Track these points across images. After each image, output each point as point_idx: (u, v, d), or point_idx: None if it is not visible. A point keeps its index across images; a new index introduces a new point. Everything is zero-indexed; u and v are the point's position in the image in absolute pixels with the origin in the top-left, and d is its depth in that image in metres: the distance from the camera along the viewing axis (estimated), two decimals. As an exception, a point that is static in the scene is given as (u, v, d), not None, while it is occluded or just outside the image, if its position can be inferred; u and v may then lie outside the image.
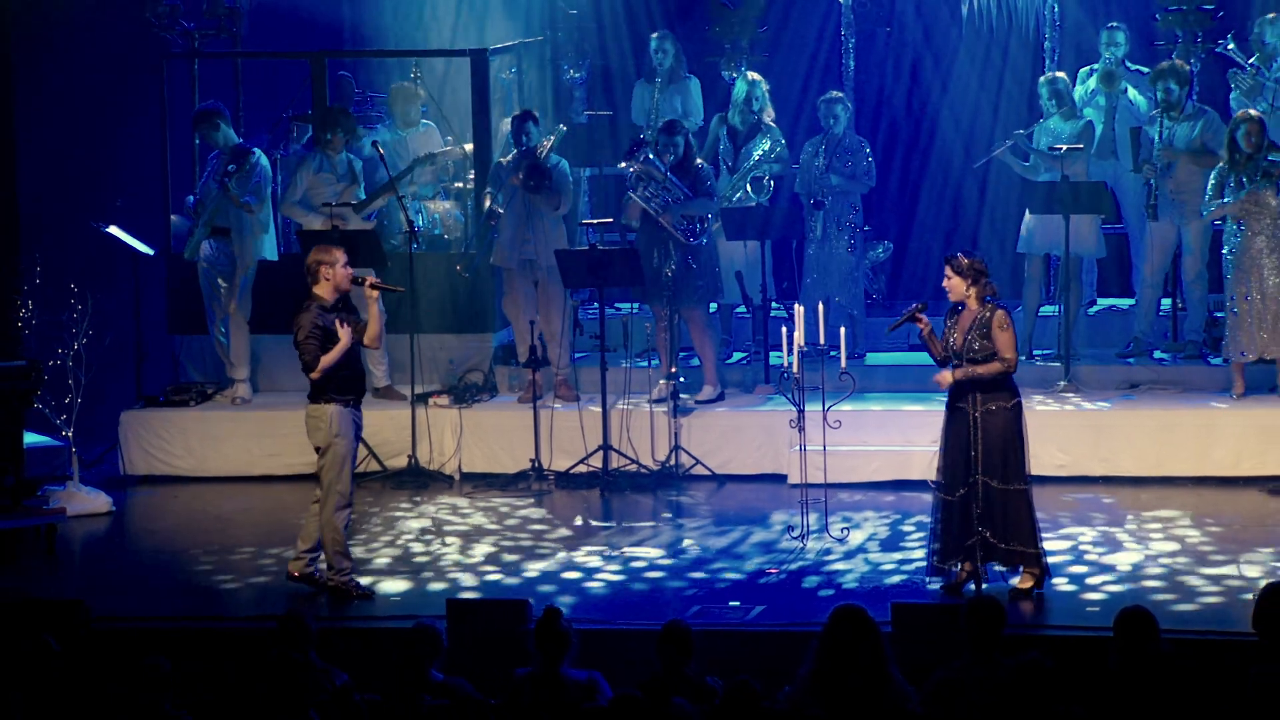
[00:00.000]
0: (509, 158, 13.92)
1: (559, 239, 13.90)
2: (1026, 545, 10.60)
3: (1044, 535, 10.83)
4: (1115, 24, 14.59)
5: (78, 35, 15.06)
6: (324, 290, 10.97)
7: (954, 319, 10.68)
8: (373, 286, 11.06)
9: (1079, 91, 14.57)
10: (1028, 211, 14.16)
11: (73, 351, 13.26)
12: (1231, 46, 14.32)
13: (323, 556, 11.07)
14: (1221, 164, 13.21)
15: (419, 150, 14.74)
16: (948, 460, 10.67)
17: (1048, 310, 14.44)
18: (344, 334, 10.87)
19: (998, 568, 10.70)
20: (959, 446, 10.61)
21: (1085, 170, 14.02)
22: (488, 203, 13.93)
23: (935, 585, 10.71)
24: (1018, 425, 10.61)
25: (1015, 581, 10.64)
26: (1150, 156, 13.73)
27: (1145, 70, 14.34)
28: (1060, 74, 14.36)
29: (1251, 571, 10.99)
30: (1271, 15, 14.27)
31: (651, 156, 13.57)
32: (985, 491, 10.53)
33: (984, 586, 10.55)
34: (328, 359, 10.87)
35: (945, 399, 10.76)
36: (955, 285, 10.60)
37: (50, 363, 13.16)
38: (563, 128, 14.31)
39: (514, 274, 14.00)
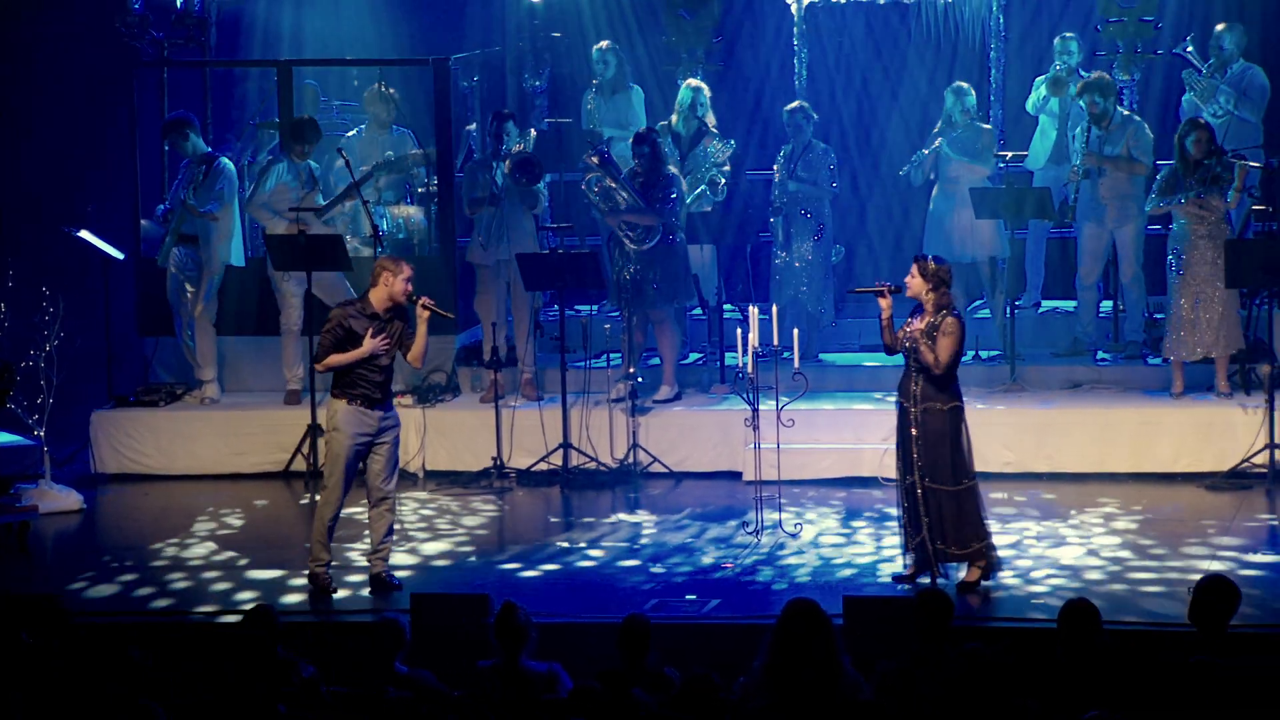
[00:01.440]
0: (484, 157, 13.95)
1: (533, 242, 13.91)
2: (971, 542, 10.62)
3: (990, 532, 10.84)
4: (1069, 34, 14.67)
5: (49, 44, 15.00)
6: (377, 295, 10.91)
7: (912, 319, 10.68)
8: (424, 306, 10.97)
9: (1032, 99, 14.66)
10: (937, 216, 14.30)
11: (45, 353, 13.21)
12: (1190, 50, 14.40)
13: (384, 552, 11.05)
14: (1171, 166, 13.28)
15: (393, 154, 14.72)
16: (899, 454, 10.73)
17: (982, 314, 14.53)
18: (367, 344, 10.82)
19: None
20: (902, 443, 10.67)
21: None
22: (469, 208, 13.97)
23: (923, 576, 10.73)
24: (955, 427, 10.63)
25: (962, 575, 10.67)
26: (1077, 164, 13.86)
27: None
28: (964, 84, 14.43)
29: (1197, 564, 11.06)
30: (1223, 25, 14.33)
31: (606, 154, 13.64)
32: (924, 492, 10.56)
33: (939, 581, 10.57)
34: (336, 359, 10.82)
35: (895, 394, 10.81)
36: (916, 285, 10.63)
37: (23, 364, 13.11)
38: (533, 132, 14.36)
39: (487, 273, 14.00)
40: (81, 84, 15.12)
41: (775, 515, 11.95)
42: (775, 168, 14.40)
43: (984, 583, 10.64)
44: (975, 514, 10.65)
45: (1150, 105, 14.97)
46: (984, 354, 14.31)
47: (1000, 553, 11.01)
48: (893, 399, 10.92)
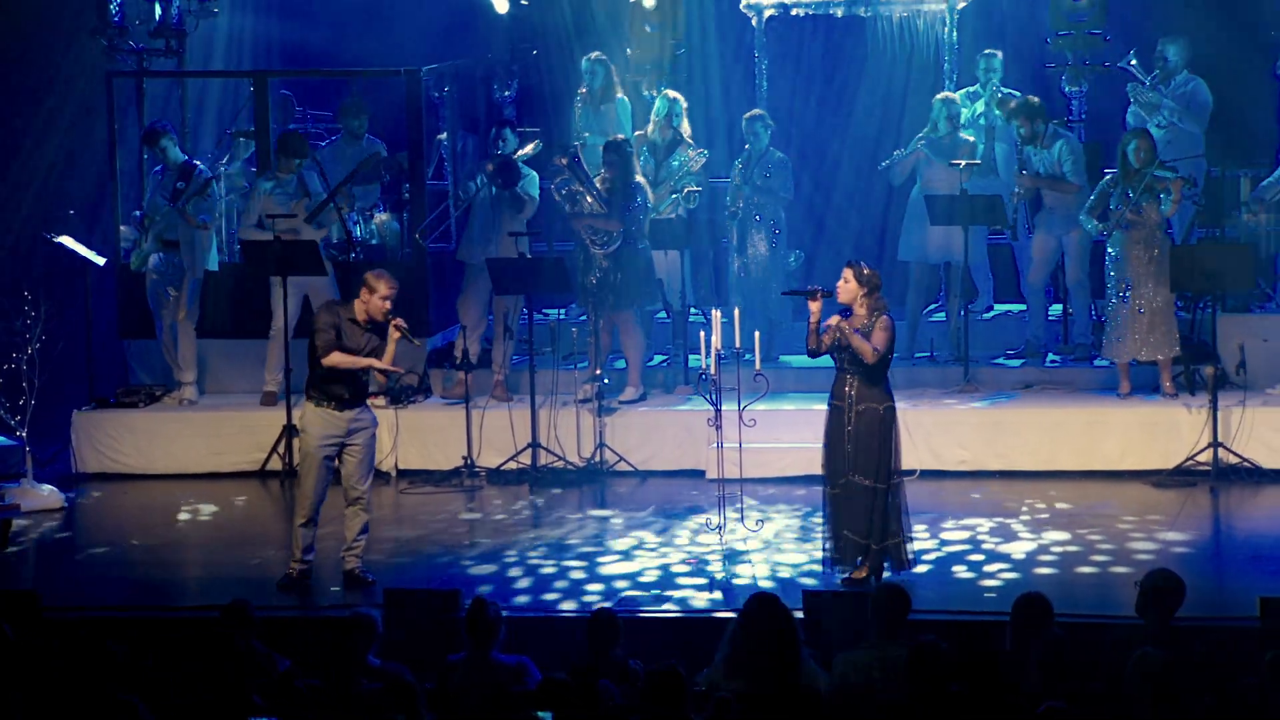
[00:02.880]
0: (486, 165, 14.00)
1: (512, 247, 13.90)
2: (892, 537, 10.61)
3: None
4: (991, 50, 14.72)
5: (30, 55, 14.93)
6: (359, 305, 10.90)
7: (844, 323, 10.66)
8: (397, 327, 10.93)
9: (964, 115, 14.70)
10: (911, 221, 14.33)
11: (27, 356, 13.15)
12: (1135, 63, 14.45)
13: (358, 549, 11.03)
14: (1100, 185, 13.33)
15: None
16: (829, 455, 10.67)
17: (937, 317, 14.57)
18: (384, 360, 10.86)
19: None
20: (837, 443, 10.63)
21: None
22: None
23: (838, 576, 10.70)
24: (889, 426, 10.63)
25: (856, 573, 10.62)
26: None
27: (1017, 94, 14.43)
28: (953, 95, 14.47)
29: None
30: (1176, 36, 14.40)
31: (575, 158, 13.65)
32: (859, 489, 10.54)
33: (885, 576, 10.57)
34: (341, 358, 10.81)
35: (829, 397, 10.73)
36: (850, 289, 10.62)
37: (5, 366, 13.05)
38: (539, 142, 14.37)
39: (475, 272, 13.99)
40: (62, 94, 15.06)
41: (737, 512, 11.95)
42: (734, 173, 14.40)
43: (895, 575, 10.58)
44: (899, 510, 10.64)
45: (1098, 116, 15.01)
46: (938, 354, 14.36)
47: (952, 549, 11.01)
48: None
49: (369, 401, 13.62)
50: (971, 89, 14.79)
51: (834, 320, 10.59)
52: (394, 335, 10.87)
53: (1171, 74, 14.36)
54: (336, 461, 10.96)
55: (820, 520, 12.06)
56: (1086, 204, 13.40)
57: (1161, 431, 13.13)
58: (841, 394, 10.63)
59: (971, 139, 14.34)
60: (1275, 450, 12.93)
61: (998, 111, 14.13)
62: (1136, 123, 14.23)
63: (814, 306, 10.63)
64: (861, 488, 10.54)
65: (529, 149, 14.07)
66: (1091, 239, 13.94)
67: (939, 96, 14.40)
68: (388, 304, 10.88)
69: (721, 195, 14.78)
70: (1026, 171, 13.89)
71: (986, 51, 14.71)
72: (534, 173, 14.03)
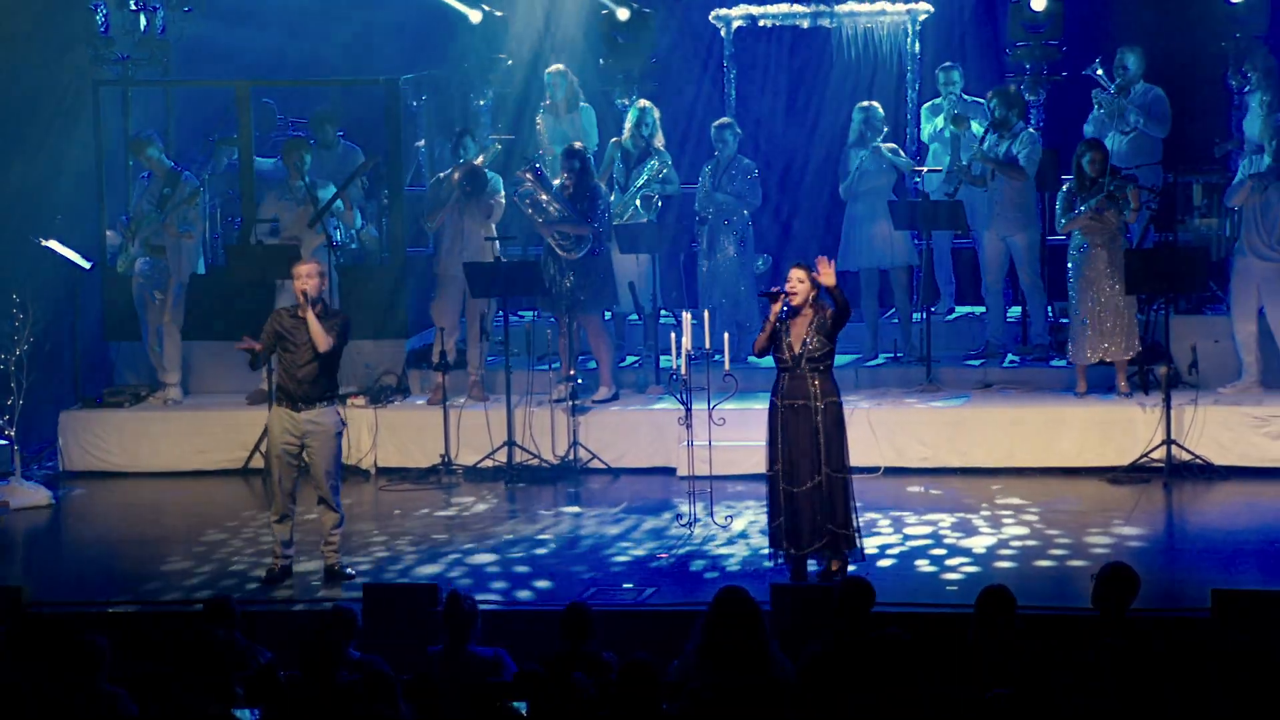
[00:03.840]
0: (445, 173, 13.93)
1: (489, 251, 13.89)
2: (846, 525, 10.62)
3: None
4: (950, 64, 14.76)
5: (19, 64, 14.88)
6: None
7: (788, 324, 10.63)
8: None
9: (926, 129, 14.76)
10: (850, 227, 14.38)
11: (15, 357, 13.12)
12: (1100, 72, 14.49)
13: (334, 544, 11.02)
14: (1068, 184, 13.37)
15: (341, 168, 14.66)
16: (792, 454, 10.60)
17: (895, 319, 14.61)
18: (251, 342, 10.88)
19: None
20: (805, 441, 10.59)
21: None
22: (433, 224, 13.94)
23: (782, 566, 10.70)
24: (843, 419, 10.66)
25: (833, 564, 10.62)
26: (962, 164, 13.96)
27: (981, 100, 14.48)
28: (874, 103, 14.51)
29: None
30: (1125, 48, 14.44)
31: (538, 169, 13.64)
32: (829, 482, 10.56)
33: (850, 568, 10.58)
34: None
35: (778, 397, 10.67)
36: (804, 289, 10.61)
37: (-6, 367, 13.02)
38: (498, 145, 14.34)
39: (445, 280, 13.97)
40: (50, 102, 15.02)
41: (707, 508, 11.95)
42: (702, 179, 14.40)
43: (851, 567, 10.60)
44: (851, 499, 10.68)
45: (1055, 125, 15.05)
46: (900, 355, 14.39)
47: (915, 544, 11.03)
48: None
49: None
50: (935, 101, 14.82)
51: (799, 327, 10.52)
52: (307, 312, 10.77)
53: (1132, 82, 14.41)
54: (305, 459, 10.93)
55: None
56: (1057, 207, 13.42)
57: (1117, 430, 13.16)
58: (806, 393, 10.60)
59: (892, 144, 14.45)
60: (1226, 447, 12.97)
61: (953, 126, 14.15)
62: (1097, 130, 14.26)
63: (777, 307, 10.63)
64: (836, 480, 10.54)
65: (484, 158, 13.98)
66: (1039, 242, 13.97)
67: (859, 105, 14.46)
68: (299, 284, 10.83)
69: (690, 201, 14.78)
70: (985, 151, 13.90)
71: (946, 64, 14.75)
72: (498, 176, 14.02)
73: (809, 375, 10.58)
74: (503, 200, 13.98)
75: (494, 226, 13.99)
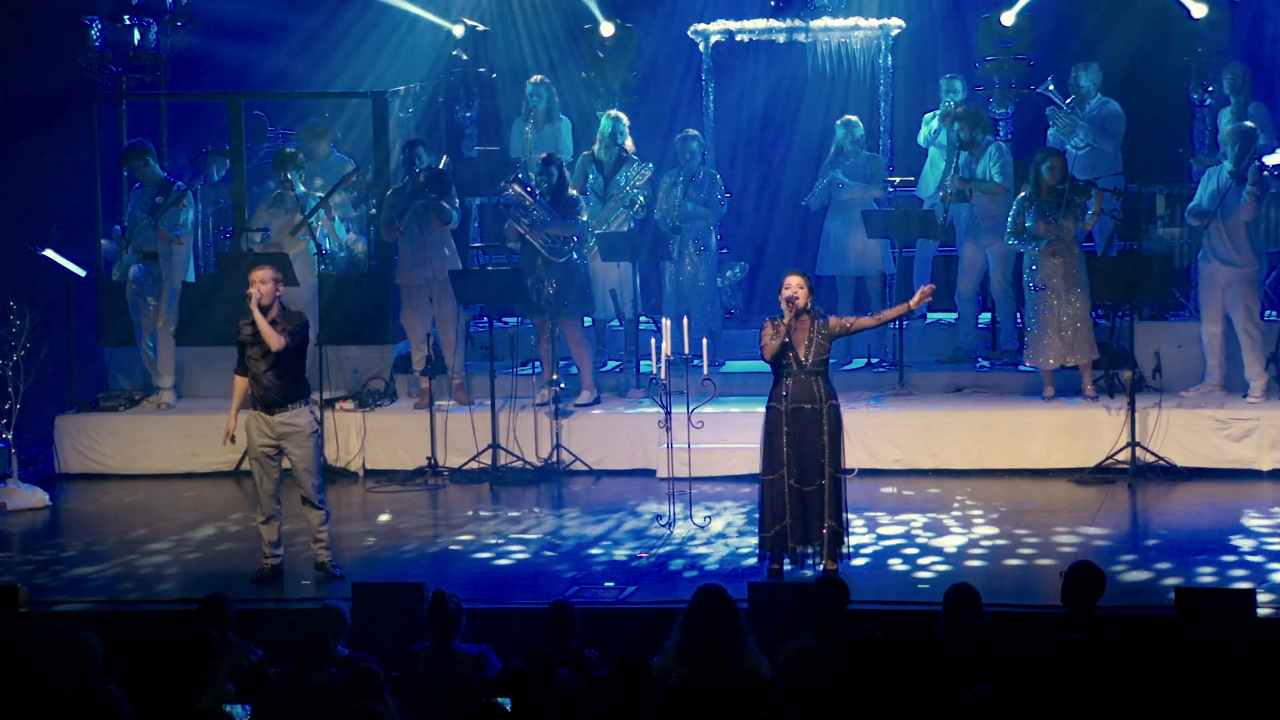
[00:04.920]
0: (402, 184, 13.91)
1: (452, 260, 13.88)
2: (843, 526, 10.65)
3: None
4: (952, 74, 14.79)
5: (15, 79, 14.87)
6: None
7: (790, 332, 10.61)
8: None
9: (923, 133, 14.78)
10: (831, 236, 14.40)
11: (12, 362, 13.08)
12: (1052, 89, 14.52)
13: (323, 541, 11.02)
14: (1024, 193, 13.39)
15: (331, 179, 14.65)
16: (801, 456, 10.57)
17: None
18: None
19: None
20: (815, 442, 10.58)
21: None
22: (390, 234, 13.91)
23: (791, 567, 10.68)
24: (842, 421, 10.67)
25: (828, 564, 10.61)
26: (946, 186, 14.00)
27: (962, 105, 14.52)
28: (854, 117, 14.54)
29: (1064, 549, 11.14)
30: (1089, 63, 14.48)
31: (524, 180, 13.64)
32: (832, 482, 10.56)
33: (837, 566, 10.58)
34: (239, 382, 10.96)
35: (780, 402, 10.62)
36: (806, 295, 10.60)
37: (-8, 373, 12.99)
38: (446, 159, 14.35)
39: (412, 291, 13.95)
40: (47, 115, 15.01)
41: (686, 509, 11.95)
42: (671, 191, 14.37)
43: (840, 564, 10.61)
44: (845, 499, 10.70)
45: (1023, 136, 15.09)
46: (874, 359, 14.41)
47: (888, 543, 11.03)
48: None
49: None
50: (937, 111, 14.80)
51: (809, 331, 10.53)
52: (257, 315, 10.74)
53: (1086, 98, 14.45)
54: (285, 461, 10.92)
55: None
56: (1007, 227, 13.43)
57: (1083, 432, 13.19)
58: (813, 396, 10.54)
59: (878, 156, 14.56)
60: (1189, 449, 13.01)
61: (954, 129, 14.14)
62: (1057, 144, 14.31)
63: (788, 315, 10.48)
64: (836, 480, 10.54)
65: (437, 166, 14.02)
66: (1015, 252, 14.02)
67: (841, 120, 14.49)
68: (251, 289, 10.80)
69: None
70: (959, 173, 13.94)
71: (948, 75, 14.78)
72: (453, 185, 14.02)
73: (814, 378, 10.58)
74: (457, 204, 13.93)
75: (450, 233, 13.94)
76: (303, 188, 14.06)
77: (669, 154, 15.16)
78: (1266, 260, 13.74)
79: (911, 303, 10.81)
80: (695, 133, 14.52)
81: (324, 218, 13.88)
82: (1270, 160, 13.87)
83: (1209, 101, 14.48)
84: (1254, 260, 13.25)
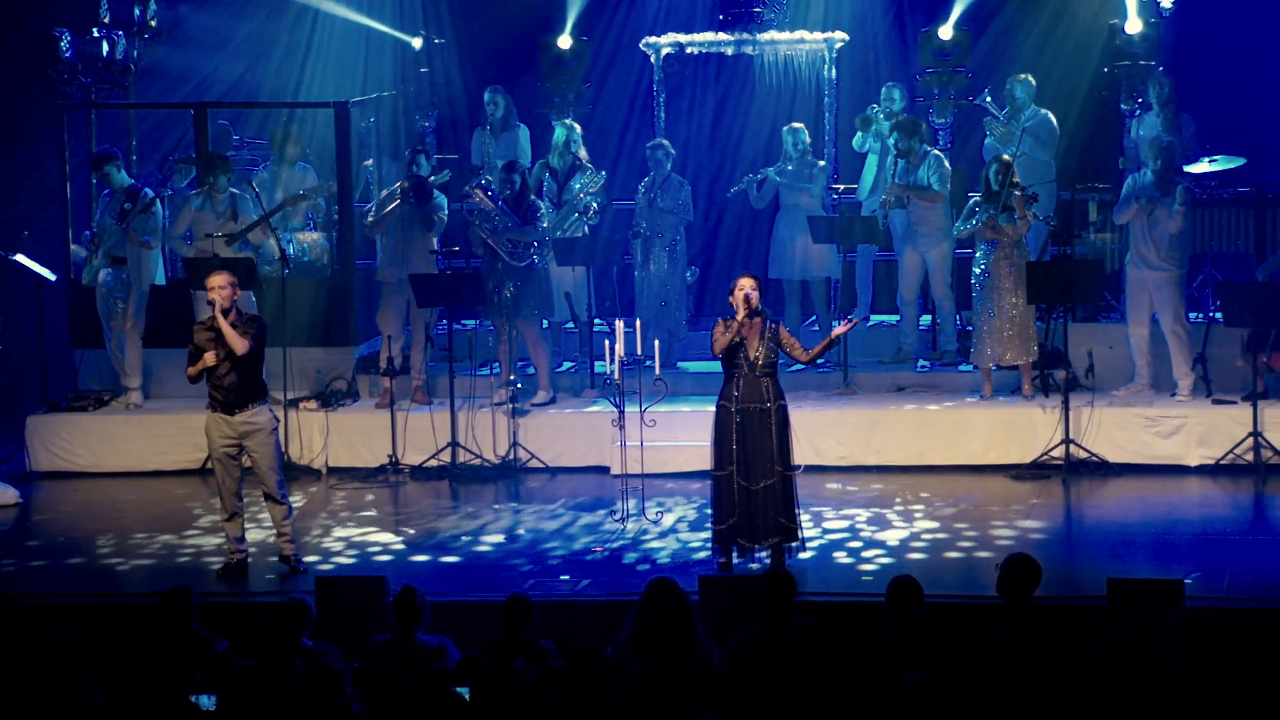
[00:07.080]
0: (395, 186, 13.90)
1: (431, 263, 13.87)
2: (794, 522, 10.69)
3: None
4: (891, 83, 14.87)
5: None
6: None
7: (742, 333, 10.64)
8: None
9: (857, 138, 14.85)
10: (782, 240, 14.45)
11: (-16, 364, 13.02)
12: (989, 100, 14.62)
13: (286, 534, 10.96)
14: (976, 197, 13.49)
15: (295, 186, 14.63)
16: (749, 454, 10.61)
17: (815, 328, 14.67)
18: (206, 358, 10.74)
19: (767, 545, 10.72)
20: (763, 441, 10.60)
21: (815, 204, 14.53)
22: (370, 218, 13.87)
23: (742, 562, 10.70)
24: (789, 420, 10.70)
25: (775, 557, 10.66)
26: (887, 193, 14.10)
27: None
28: (799, 125, 14.61)
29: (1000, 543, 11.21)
30: (1023, 75, 14.58)
31: (486, 185, 13.65)
32: (782, 480, 10.59)
33: (786, 560, 10.61)
34: (190, 370, 10.88)
35: (730, 401, 10.66)
36: (755, 297, 10.63)
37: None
38: (447, 171, 14.35)
39: (391, 289, 13.94)
40: (17, 123, 14.93)
41: (639, 505, 11.97)
42: (639, 196, 14.46)
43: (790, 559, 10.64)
44: (796, 495, 10.72)
45: (961, 145, 15.17)
46: (820, 361, 14.44)
47: (832, 537, 11.09)
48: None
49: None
50: (863, 113, 14.88)
51: (756, 332, 10.54)
52: (220, 321, 10.70)
53: (1020, 109, 14.55)
54: (246, 459, 10.89)
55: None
56: (959, 221, 13.53)
57: (1019, 430, 13.27)
58: (760, 395, 10.57)
59: (822, 163, 14.63)
60: (1120, 446, 13.11)
61: (891, 140, 14.22)
62: (993, 153, 14.39)
63: (741, 314, 10.47)
64: (784, 477, 10.57)
65: (436, 176, 14.03)
66: (953, 256, 14.11)
67: (787, 127, 14.58)
68: (210, 294, 10.77)
69: (623, 215, 14.81)
70: (897, 180, 14.04)
71: (889, 84, 14.86)
72: (444, 196, 14.02)
73: (763, 379, 10.60)
74: (445, 216, 13.96)
75: (434, 240, 13.97)
76: (234, 190, 13.99)
77: (620, 161, 15.22)
78: (1189, 264, 13.85)
79: (834, 334, 10.82)
80: (664, 142, 14.59)
81: (259, 233, 13.80)
82: (1193, 169, 14.03)
83: (1139, 112, 14.60)
84: (1179, 265, 13.38)
